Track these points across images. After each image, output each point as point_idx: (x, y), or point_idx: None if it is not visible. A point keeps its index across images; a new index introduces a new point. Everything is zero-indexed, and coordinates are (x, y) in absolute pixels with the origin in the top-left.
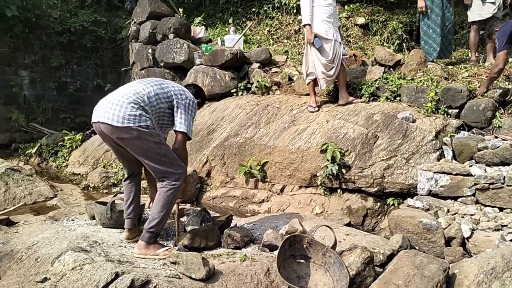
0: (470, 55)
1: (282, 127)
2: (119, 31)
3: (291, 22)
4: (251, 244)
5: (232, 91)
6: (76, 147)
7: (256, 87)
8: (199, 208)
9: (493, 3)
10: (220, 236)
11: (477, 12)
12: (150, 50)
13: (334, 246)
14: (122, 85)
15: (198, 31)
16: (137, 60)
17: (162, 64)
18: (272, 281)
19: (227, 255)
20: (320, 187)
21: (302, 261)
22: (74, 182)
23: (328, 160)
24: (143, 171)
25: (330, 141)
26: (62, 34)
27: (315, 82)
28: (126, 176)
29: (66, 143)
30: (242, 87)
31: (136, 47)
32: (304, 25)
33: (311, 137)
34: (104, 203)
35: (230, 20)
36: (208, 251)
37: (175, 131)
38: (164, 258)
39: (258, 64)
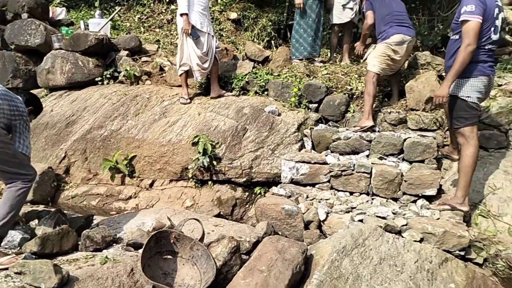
0: (329, 54)
1: (152, 119)
2: None
3: (163, 11)
4: (114, 244)
5: (96, 79)
6: None
7: (124, 76)
8: (53, 209)
9: (351, 9)
10: (77, 238)
11: (338, 16)
12: None
13: (202, 239)
14: None
15: (58, 12)
16: None
17: (13, 46)
18: (136, 281)
19: (85, 259)
20: (191, 179)
21: (169, 257)
22: None
23: (199, 152)
24: None
25: (201, 133)
26: None
27: (187, 73)
28: None
29: None
30: (108, 76)
31: None
32: (181, 15)
33: (183, 130)
34: None
35: (97, 3)
36: (63, 256)
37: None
38: (7, 268)
39: (127, 52)
